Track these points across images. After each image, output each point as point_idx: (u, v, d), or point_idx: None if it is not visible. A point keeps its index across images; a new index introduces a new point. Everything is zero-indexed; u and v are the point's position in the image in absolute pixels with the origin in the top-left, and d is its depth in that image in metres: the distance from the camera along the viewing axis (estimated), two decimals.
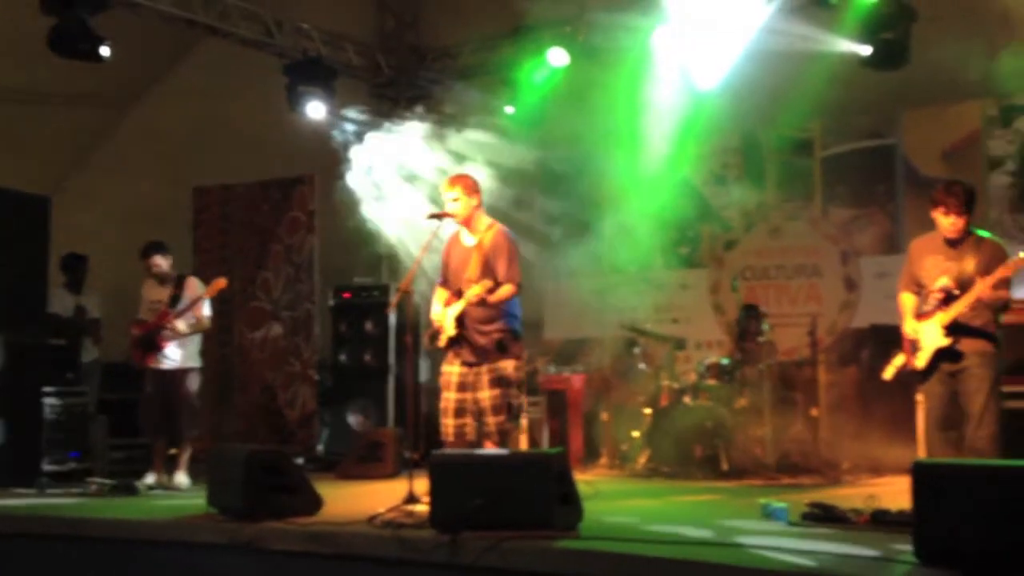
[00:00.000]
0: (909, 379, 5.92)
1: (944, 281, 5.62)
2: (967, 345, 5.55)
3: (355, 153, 10.63)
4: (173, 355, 7.81)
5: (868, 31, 7.99)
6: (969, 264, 5.57)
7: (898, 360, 5.88)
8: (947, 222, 5.60)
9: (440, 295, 6.13)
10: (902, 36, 7.89)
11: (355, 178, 10.50)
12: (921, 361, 5.68)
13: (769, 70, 8.50)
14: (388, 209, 10.91)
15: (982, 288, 5.44)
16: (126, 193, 11.50)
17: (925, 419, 5.75)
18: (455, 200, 6.05)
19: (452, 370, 6.02)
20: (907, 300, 5.87)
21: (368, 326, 9.78)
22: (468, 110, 10.14)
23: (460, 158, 9.78)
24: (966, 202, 5.55)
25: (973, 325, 5.55)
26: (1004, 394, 5.72)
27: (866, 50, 8.04)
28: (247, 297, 10.45)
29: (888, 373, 5.96)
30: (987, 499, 3.63)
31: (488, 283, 5.76)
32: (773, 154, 9.90)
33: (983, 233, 5.74)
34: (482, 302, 5.78)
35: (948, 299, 5.59)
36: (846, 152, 9.54)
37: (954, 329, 5.55)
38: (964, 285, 5.55)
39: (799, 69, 8.47)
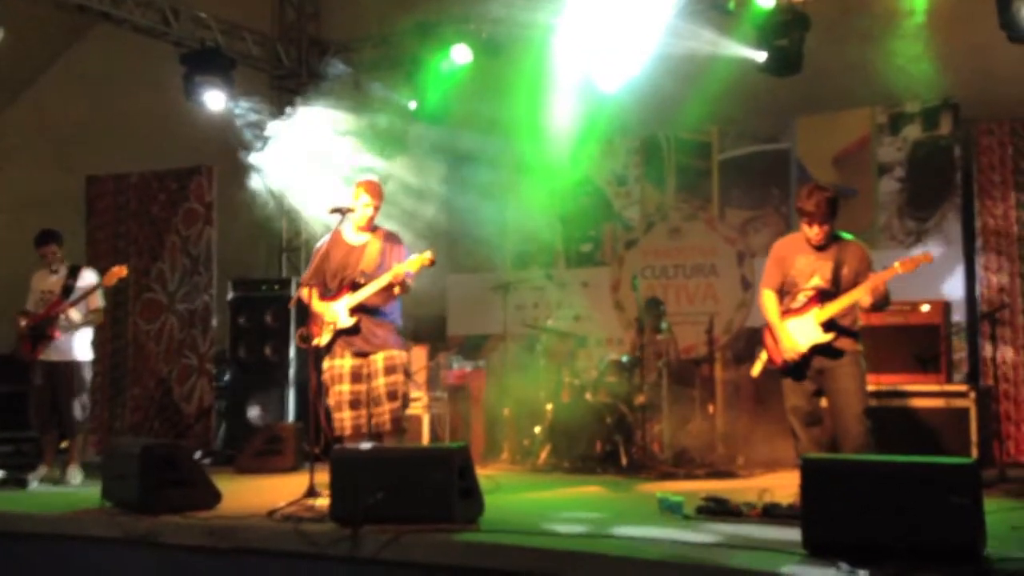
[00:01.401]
0: (776, 377, 5.96)
1: (817, 280, 5.72)
2: (842, 343, 5.68)
3: (254, 144, 10.50)
4: (64, 347, 7.61)
5: (763, 38, 8.19)
6: (841, 264, 5.69)
7: (763, 356, 5.97)
8: (812, 232, 5.69)
9: (311, 295, 6.09)
10: (796, 43, 8.08)
11: (254, 169, 10.37)
12: (793, 355, 5.71)
13: (669, 73, 8.67)
14: (288, 201, 10.81)
15: (866, 290, 5.55)
16: (15, 181, 11.20)
17: (793, 415, 5.78)
18: (367, 205, 6.12)
19: (344, 363, 6.04)
20: (771, 299, 5.91)
21: (268, 319, 9.66)
22: (369, 104, 10.10)
23: (360, 151, 9.74)
24: (828, 210, 5.64)
25: (843, 324, 5.70)
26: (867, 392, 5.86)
27: (761, 56, 8.24)
28: (141, 288, 10.23)
29: (756, 370, 6.09)
30: (869, 493, 3.79)
31: (427, 254, 5.87)
32: (673, 156, 10.08)
33: (846, 235, 5.85)
34: (386, 287, 5.86)
35: (822, 297, 5.69)
36: (742, 155, 9.77)
37: (831, 326, 5.66)
38: (837, 284, 5.68)
39: (698, 73, 8.68)
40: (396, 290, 5.98)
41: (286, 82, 11.14)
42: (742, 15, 8.36)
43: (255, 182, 10.17)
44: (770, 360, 5.93)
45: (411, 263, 5.90)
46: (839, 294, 5.66)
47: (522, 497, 6.37)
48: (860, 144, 9.25)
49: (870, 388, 6.72)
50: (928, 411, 7.06)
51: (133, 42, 9.99)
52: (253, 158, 10.32)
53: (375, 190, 6.17)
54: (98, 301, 7.72)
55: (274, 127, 10.58)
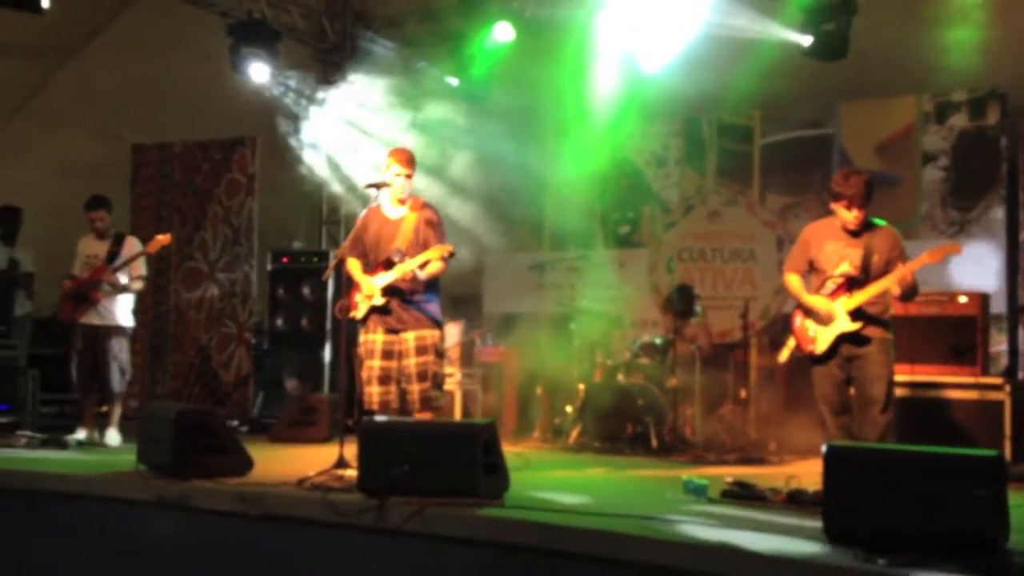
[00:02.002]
0: (806, 362, 5.92)
1: (846, 267, 5.66)
2: (870, 331, 5.62)
3: (297, 117, 10.58)
4: (105, 312, 7.74)
5: (810, 22, 8.13)
6: (872, 252, 5.62)
7: (791, 343, 5.93)
8: (850, 216, 5.61)
9: (354, 265, 6.18)
10: (842, 28, 8.02)
11: (297, 142, 10.45)
12: (823, 345, 5.69)
13: (713, 56, 8.61)
14: (329, 174, 10.88)
15: (894, 279, 5.49)
16: (62, 147, 11.35)
17: (822, 403, 5.73)
18: (397, 175, 6.14)
19: (376, 338, 6.09)
20: (795, 281, 5.87)
21: (306, 291, 9.77)
22: (412, 79, 10.13)
23: (402, 127, 9.78)
24: (865, 193, 5.56)
25: (872, 312, 5.63)
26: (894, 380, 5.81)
27: (807, 40, 8.17)
28: (183, 257, 10.38)
29: (783, 356, 6.07)
30: (890, 482, 3.78)
31: (446, 248, 5.90)
32: (714, 139, 10.04)
33: (879, 221, 5.76)
34: (416, 270, 5.88)
35: (850, 285, 5.63)
36: (785, 140, 9.72)
37: (859, 315, 5.60)
38: (866, 272, 5.62)
39: (742, 57, 8.61)
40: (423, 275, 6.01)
41: (330, 55, 11.19)
42: None
43: (297, 154, 10.26)
44: (798, 347, 5.89)
45: (430, 253, 5.92)
46: (868, 282, 5.59)
47: (550, 475, 6.41)
48: (905, 132, 9.16)
49: (904, 378, 6.72)
50: (962, 403, 6.98)
51: (181, 12, 10.07)
52: (296, 130, 10.42)
53: (404, 158, 6.18)
54: (141, 269, 7.84)
55: (317, 100, 10.66)
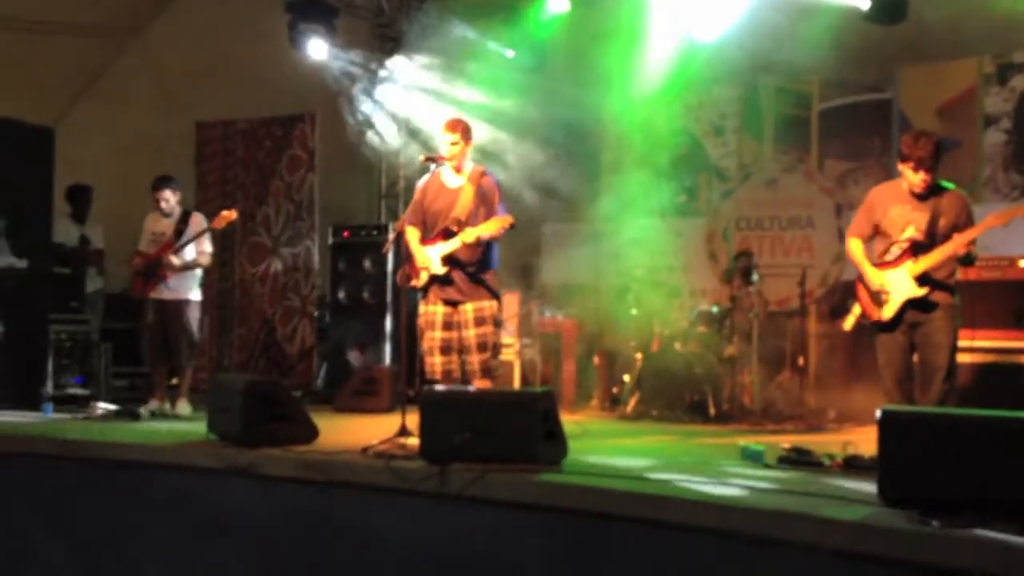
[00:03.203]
0: (868, 329, 5.91)
1: (911, 231, 5.62)
2: (937, 296, 5.59)
3: (356, 92, 10.70)
4: (174, 286, 7.95)
5: None
6: (939, 216, 5.57)
7: (856, 310, 5.87)
8: (917, 178, 5.55)
9: (413, 234, 6.26)
10: None
11: (355, 117, 10.58)
12: (890, 311, 5.66)
13: (768, 22, 8.55)
14: (388, 148, 11.02)
15: (960, 243, 5.47)
16: (128, 125, 11.57)
17: (886, 370, 5.72)
18: (453, 144, 6.17)
19: (436, 310, 6.18)
20: (857, 247, 5.84)
21: (366, 264, 9.92)
22: (469, 52, 10.18)
23: (459, 100, 9.86)
24: (934, 156, 5.50)
25: (939, 277, 5.59)
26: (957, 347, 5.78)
27: (865, 4, 8.09)
28: (247, 232, 10.59)
29: (848, 324, 5.95)
30: (946, 446, 3.81)
31: (507, 219, 5.96)
32: (771, 106, 9.98)
33: (947, 184, 5.71)
34: (475, 241, 5.95)
35: (916, 249, 5.60)
36: (843, 106, 9.63)
37: (925, 280, 5.58)
38: (932, 236, 5.57)
39: (798, 22, 8.54)
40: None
41: (387, 30, 11.26)
42: None
43: (356, 129, 10.39)
44: (863, 314, 5.85)
45: (490, 225, 5.98)
46: (934, 246, 5.55)
47: (608, 443, 6.48)
48: (966, 95, 9.05)
49: (965, 343, 6.66)
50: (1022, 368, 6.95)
51: None
52: (354, 105, 10.54)
53: (456, 126, 6.19)
54: (207, 244, 8.04)
55: (375, 75, 10.78)
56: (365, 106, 10.70)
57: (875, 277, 5.72)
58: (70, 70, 11.69)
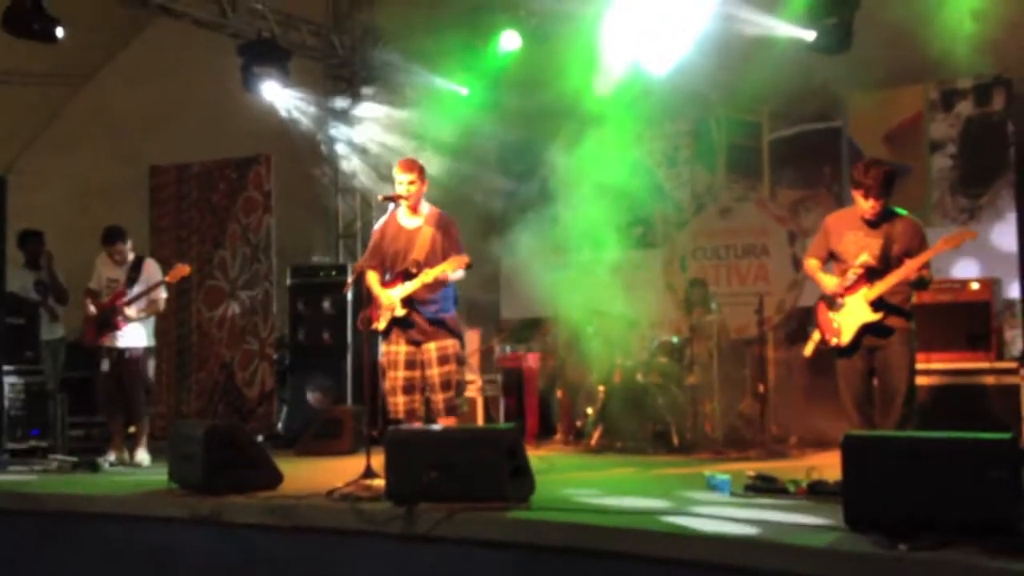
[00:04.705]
0: (830, 356, 5.98)
1: (865, 257, 5.70)
2: (892, 321, 5.68)
3: (310, 133, 10.71)
4: (128, 334, 7.87)
5: (812, 16, 8.20)
6: (892, 241, 5.67)
7: (816, 336, 5.95)
8: (867, 205, 5.66)
9: (373, 277, 6.27)
10: (845, 21, 8.09)
11: (309, 158, 10.57)
12: (847, 336, 5.75)
13: (718, 54, 8.68)
14: (342, 188, 11.02)
15: (911, 268, 5.57)
16: (80, 172, 11.52)
17: (846, 395, 5.80)
18: (411, 183, 6.19)
19: (399, 349, 6.18)
20: (814, 263, 5.96)
21: (326, 305, 9.87)
22: (422, 91, 10.24)
23: (414, 138, 9.89)
24: (885, 184, 5.62)
25: (893, 302, 5.68)
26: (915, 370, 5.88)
27: (811, 35, 8.24)
28: (204, 276, 10.51)
29: (808, 350, 6.02)
30: (909, 469, 3.85)
31: (463, 259, 5.96)
32: (723, 137, 10.10)
33: (900, 211, 5.82)
34: (434, 282, 5.96)
35: (871, 275, 5.68)
36: (793, 135, 9.76)
37: (880, 305, 5.66)
38: (886, 262, 5.67)
39: (748, 54, 8.67)
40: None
41: (340, 71, 11.32)
42: None
43: (310, 170, 10.38)
44: (822, 340, 5.92)
45: (447, 265, 5.97)
46: (888, 272, 5.64)
47: (574, 477, 6.50)
48: (912, 121, 9.20)
49: (921, 366, 6.75)
50: (978, 389, 7.05)
51: (192, 35, 10.21)
52: (308, 147, 10.54)
53: (411, 166, 6.22)
54: (161, 293, 7.98)
55: (329, 115, 10.80)
56: (319, 147, 10.70)
57: (829, 282, 5.83)
58: (20, 117, 11.61)
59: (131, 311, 7.82)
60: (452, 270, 5.99)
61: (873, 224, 5.73)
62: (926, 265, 5.65)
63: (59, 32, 8.46)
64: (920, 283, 5.69)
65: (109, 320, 7.81)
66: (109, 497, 5.89)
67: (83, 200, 11.01)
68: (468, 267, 6.05)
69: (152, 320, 8.05)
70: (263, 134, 10.46)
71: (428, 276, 6.00)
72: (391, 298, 6.13)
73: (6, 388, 8.23)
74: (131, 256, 8.06)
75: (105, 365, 7.85)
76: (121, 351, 7.85)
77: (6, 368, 8.29)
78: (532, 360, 9.58)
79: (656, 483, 6.24)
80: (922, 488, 3.80)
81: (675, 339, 8.70)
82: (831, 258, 5.95)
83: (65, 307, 9.26)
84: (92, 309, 7.90)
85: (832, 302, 5.86)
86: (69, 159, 11.53)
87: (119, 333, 7.82)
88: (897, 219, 5.77)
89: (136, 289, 7.87)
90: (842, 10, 8.13)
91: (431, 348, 6.14)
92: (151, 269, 8.03)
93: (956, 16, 8.43)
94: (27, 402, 8.39)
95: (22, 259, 9.27)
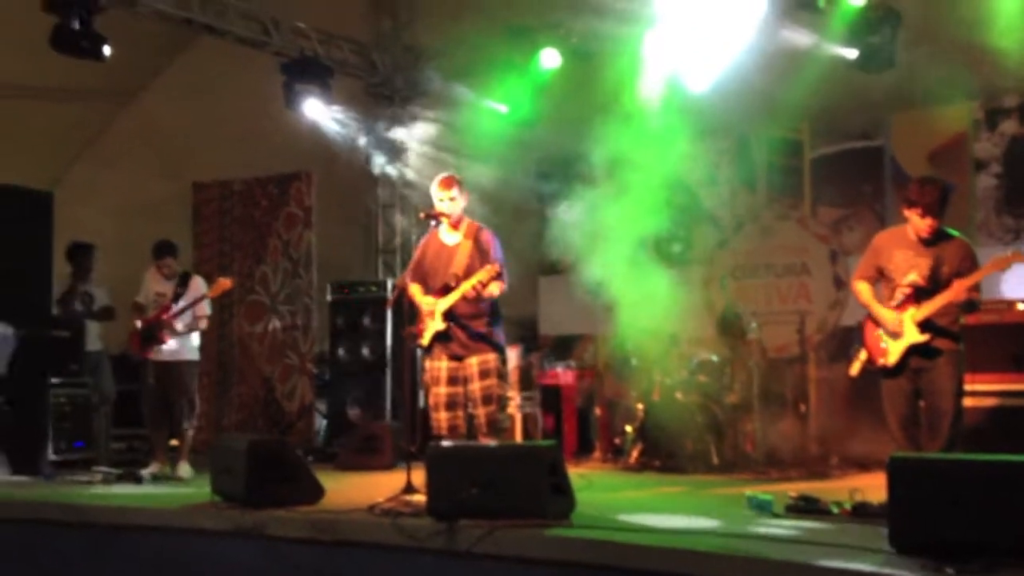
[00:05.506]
0: (874, 375, 5.90)
1: (914, 277, 5.64)
2: (939, 343, 5.61)
3: (351, 150, 10.79)
4: (173, 348, 7.97)
5: (855, 34, 8.16)
6: (942, 262, 5.61)
7: (862, 355, 5.88)
8: (923, 224, 5.60)
9: (416, 290, 6.31)
10: (888, 40, 8.04)
11: (351, 175, 10.64)
12: (893, 357, 5.68)
13: (760, 73, 8.64)
14: (384, 204, 11.08)
15: (959, 289, 5.51)
16: (125, 188, 11.66)
17: (891, 416, 5.72)
18: (451, 200, 6.24)
19: (441, 365, 6.22)
20: (866, 289, 5.87)
21: (366, 321, 9.93)
22: (462, 109, 10.29)
23: (454, 155, 9.94)
24: (940, 202, 5.57)
25: (941, 323, 5.61)
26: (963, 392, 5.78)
27: (853, 53, 8.20)
28: (246, 291, 10.60)
29: (854, 369, 5.92)
30: (956, 491, 3.81)
31: (494, 267, 5.96)
32: (764, 155, 10.06)
33: (952, 232, 5.76)
34: (475, 296, 5.96)
35: (918, 295, 5.62)
36: (835, 153, 9.70)
37: (927, 326, 5.60)
38: (935, 282, 5.61)
39: (789, 72, 8.64)
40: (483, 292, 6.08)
41: (381, 88, 11.39)
42: (832, 12, 8.32)
43: (351, 187, 10.46)
44: (869, 359, 5.86)
45: (483, 274, 5.97)
46: (936, 292, 5.58)
47: (614, 495, 6.47)
48: (956, 140, 9.11)
49: (968, 388, 6.66)
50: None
51: (235, 53, 10.33)
52: (349, 163, 10.62)
53: (451, 183, 6.28)
54: (205, 309, 8.07)
55: (370, 132, 10.88)
56: (361, 164, 10.78)
57: (888, 316, 5.72)
58: (66, 134, 11.79)
59: (177, 325, 7.91)
60: (484, 279, 5.99)
61: (926, 243, 5.67)
62: (975, 287, 5.57)
63: (106, 50, 8.58)
64: (969, 305, 5.61)
65: (155, 334, 7.91)
66: (153, 510, 5.94)
67: (127, 215, 11.14)
68: (498, 275, 6.04)
69: (197, 335, 8.14)
70: (304, 151, 10.55)
71: (465, 286, 6.02)
72: (431, 302, 6.16)
73: (52, 400, 8.32)
74: (179, 271, 8.16)
75: (151, 378, 7.94)
76: (167, 364, 7.94)
77: (52, 381, 8.39)
78: (571, 377, 9.57)
79: (697, 502, 6.21)
80: (970, 511, 3.76)
81: (715, 357, 8.66)
82: (880, 276, 5.88)
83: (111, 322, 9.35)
84: (138, 323, 8.00)
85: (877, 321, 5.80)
86: (114, 174, 11.69)
87: (164, 347, 7.91)
88: (950, 240, 5.71)
89: (181, 303, 7.96)
90: (884, 29, 8.08)
91: (473, 363, 6.17)
92: (197, 284, 8.13)
93: (1000, 35, 8.37)
94: (72, 414, 8.48)
95: (68, 269, 9.37)
